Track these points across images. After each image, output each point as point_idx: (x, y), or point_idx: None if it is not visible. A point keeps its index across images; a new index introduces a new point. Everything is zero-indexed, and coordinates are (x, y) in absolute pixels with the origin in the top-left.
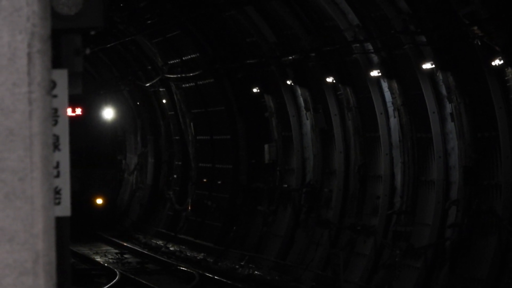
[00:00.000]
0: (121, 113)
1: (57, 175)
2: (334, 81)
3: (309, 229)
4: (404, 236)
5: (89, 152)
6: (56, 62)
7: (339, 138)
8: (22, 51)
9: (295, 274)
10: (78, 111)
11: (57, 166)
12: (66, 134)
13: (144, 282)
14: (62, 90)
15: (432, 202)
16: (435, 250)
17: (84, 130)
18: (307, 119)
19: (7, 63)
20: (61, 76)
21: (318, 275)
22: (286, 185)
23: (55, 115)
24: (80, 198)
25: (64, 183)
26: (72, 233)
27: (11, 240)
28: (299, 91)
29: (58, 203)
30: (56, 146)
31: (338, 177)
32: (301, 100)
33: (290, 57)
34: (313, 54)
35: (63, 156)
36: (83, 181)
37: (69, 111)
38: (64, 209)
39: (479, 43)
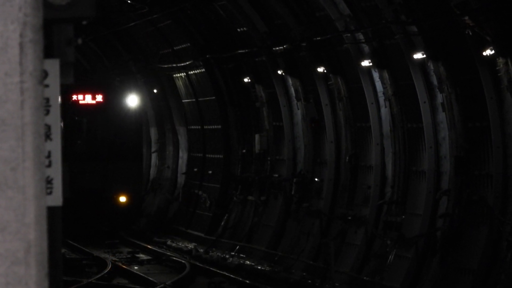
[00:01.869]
0: (143, 100)
1: (49, 165)
2: (325, 71)
3: (300, 219)
4: (395, 226)
5: (112, 143)
6: (48, 52)
7: (330, 128)
8: (14, 40)
9: (286, 264)
10: (99, 98)
11: (49, 155)
12: (58, 123)
13: (134, 271)
14: (54, 79)
15: (423, 192)
16: (426, 240)
17: (105, 119)
18: (298, 109)
19: None
20: (53, 66)
21: (309, 265)
22: (277, 175)
23: (47, 104)
24: (102, 196)
25: (56, 172)
26: (93, 235)
27: (3, 230)
28: (290, 81)
29: (50, 193)
30: (48, 136)
31: (329, 167)
32: (292, 90)
33: (281, 47)
34: (304, 44)
35: (55, 146)
36: (105, 176)
37: (89, 98)
38: (56, 198)
39: (470, 33)
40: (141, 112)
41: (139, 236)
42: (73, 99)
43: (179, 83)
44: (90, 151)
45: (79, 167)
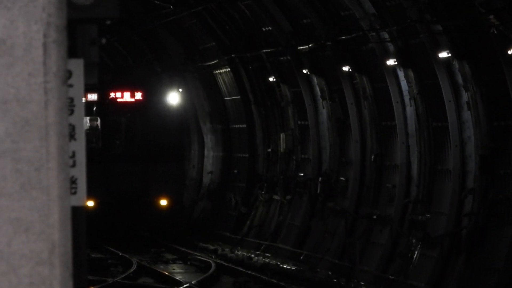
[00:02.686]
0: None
1: (73, 165)
2: (350, 70)
3: (325, 219)
4: (420, 225)
5: (152, 144)
6: (72, 52)
7: (355, 127)
8: (37, 41)
9: (311, 263)
10: (138, 95)
11: (73, 155)
12: (82, 123)
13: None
14: (78, 79)
15: (448, 191)
16: (451, 239)
17: (145, 118)
18: (323, 108)
19: (23, 53)
20: (77, 66)
21: (334, 264)
22: (302, 174)
23: (71, 104)
24: (141, 200)
25: (80, 172)
26: (131, 241)
27: (27, 230)
28: (315, 80)
29: (74, 193)
30: (72, 136)
31: (354, 167)
32: (317, 89)
33: (306, 46)
34: (329, 43)
35: (79, 146)
36: (145, 178)
37: (128, 96)
38: (80, 198)
39: (495, 32)
40: (183, 110)
41: (166, 236)
42: (110, 97)
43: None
44: (129, 152)
45: (118, 169)
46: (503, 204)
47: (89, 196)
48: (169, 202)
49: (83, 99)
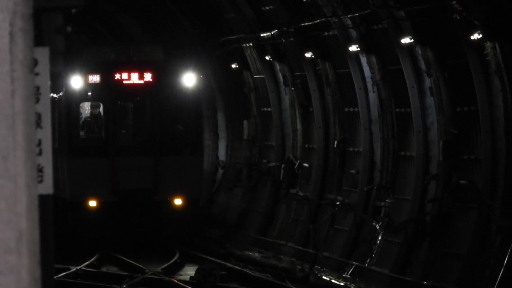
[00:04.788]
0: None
1: (40, 153)
2: (313, 56)
3: (289, 205)
4: (384, 211)
5: (164, 133)
6: (38, 41)
7: (318, 113)
8: (4, 29)
9: (276, 250)
10: (148, 76)
11: (39, 144)
12: (48, 111)
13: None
14: (44, 68)
15: (412, 177)
16: (415, 225)
17: (156, 104)
18: (286, 95)
19: None
20: (43, 54)
21: (299, 251)
22: (265, 161)
23: (37, 93)
24: (152, 198)
25: (47, 161)
26: (140, 246)
27: None
28: (278, 66)
29: (41, 181)
30: (38, 124)
31: (318, 153)
32: (280, 75)
33: (269, 33)
34: (292, 30)
35: (45, 134)
36: (156, 174)
37: (135, 77)
38: (47, 187)
39: (458, 18)
40: (200, 93)
41: None
42: (115, 78)
43: None
44: (137, 143)
45: (124, 164)
46: (467, 189)
47: (91, 194)
48: (184, 201)
49: (82, 82)
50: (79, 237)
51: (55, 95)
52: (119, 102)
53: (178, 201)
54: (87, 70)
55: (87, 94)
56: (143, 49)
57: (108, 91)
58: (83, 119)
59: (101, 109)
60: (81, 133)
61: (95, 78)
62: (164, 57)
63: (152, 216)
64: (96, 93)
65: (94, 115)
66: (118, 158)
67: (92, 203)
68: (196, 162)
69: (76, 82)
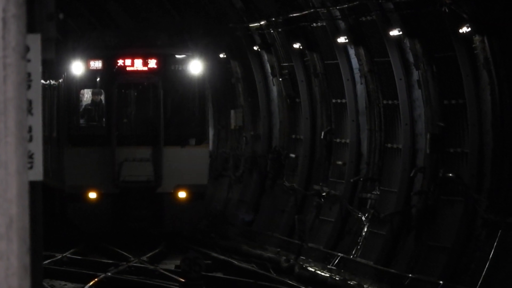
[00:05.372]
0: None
1: (30, 140)
2: (301, 47)
3: (275, 195)
4: (370, 203)
5: (168, 123)
6: (30, 27)
7: (305, 104)
8: None
9: (261, 241)
10: (152, 63)
11: (30, 130)
12: (39, 98)
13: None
14: (36, 54)
15: (398, 169)
16: (401, 217)
17: (160, 92)
18: (274, 85)
19: None
20: (35, 41)
21: (284, 241)
22: (252, 151)
23: (28, 79)
24: (155, 191)
25: (37, 147)
26: (144, 243)
27: None
28: (266, 57)
29: (31, 168)
30: (29, 111)
31: (304, 144)
32: (268, 66)
33: (257, 24)
34: (280, 20)
35: (36, 121)
36: (160, 165)
37: (139, 64)
38: (37, 173)
39: (447, 10)
40: (206, 81)
41: None
42: (118, 65)
43: None
44: (140, 133)
45: (126, 154)
46: (453, 182)
47: (92, 186)
48: (188, 194)
49: (83, 68)
50: (78, 230)
51: (54, 82)
52: (121, 90)
53: (182, 194)
54: (89, 55)
55: (88, 81)
56: (148, 34)
57: (110, 78)
58: (83, 107)
59: (102, 97)
60: (81, 121)
61: (97, 64)
62: (170, 43)
63: (155, 210)
64: (98, 79)
65: (95, 103)
66: (120, 148)
67: (92, 195)
68: (201, 153)
69: (76, 68)
